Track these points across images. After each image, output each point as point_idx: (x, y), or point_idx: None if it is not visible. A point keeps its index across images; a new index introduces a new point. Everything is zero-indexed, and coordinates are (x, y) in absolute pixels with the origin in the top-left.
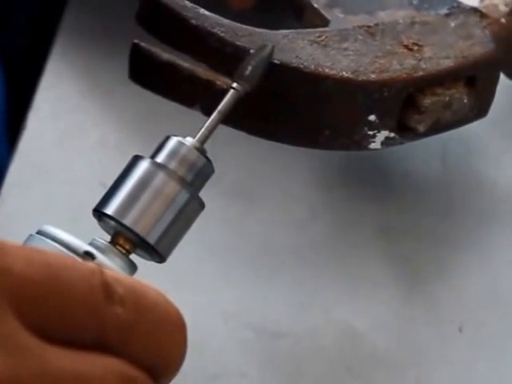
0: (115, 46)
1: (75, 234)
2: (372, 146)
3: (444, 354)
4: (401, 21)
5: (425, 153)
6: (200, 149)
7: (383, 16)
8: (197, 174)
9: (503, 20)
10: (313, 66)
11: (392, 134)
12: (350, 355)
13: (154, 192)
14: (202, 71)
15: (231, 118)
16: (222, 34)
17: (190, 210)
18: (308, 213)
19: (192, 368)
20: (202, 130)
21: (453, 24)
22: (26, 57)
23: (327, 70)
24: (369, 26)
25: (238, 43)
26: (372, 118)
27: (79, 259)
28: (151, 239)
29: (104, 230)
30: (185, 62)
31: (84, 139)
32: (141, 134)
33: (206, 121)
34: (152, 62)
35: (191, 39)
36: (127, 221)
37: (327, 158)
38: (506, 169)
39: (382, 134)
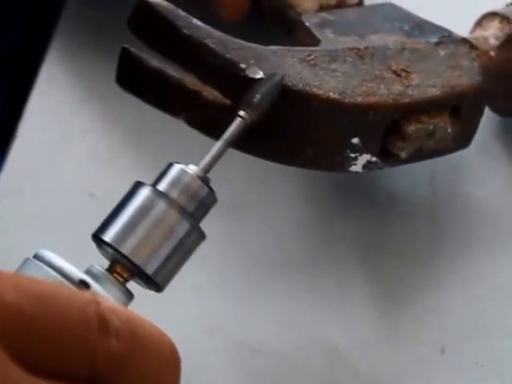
0: (108, 54)
1: (65, 244)
2: (353, 168)
3: (425, 376)
4: (391, 46)
5: (413, 172)
6: (203, 178)
7: (374, 39)
8: (199, 204)
9: (492, 53)
10: (301, 85)
11: (374, 159)
12: (332, 375)
13: (154, 221)
14: (189, 81)
15: (216, 133)
16: (213, 46)
17: (190, 240)
18: (295, 228)
19: None
20: (206, 158)
21: (442, 53)
22: (19, 65)
23: (315, 90)
24: (359, 49)
25: (228, 56)
26: (355, 140)
27: (74, 288)
28: (149, 270)
29: (102, 255)
30: (173, 71)
31: (74, 148)
32: (131, 144)
33: (211, 149)
34: (140, 67)
35: (181, 48)
36: (125, 249)
37: (315, 176)
38: (493, 191)
39: (364, 158)
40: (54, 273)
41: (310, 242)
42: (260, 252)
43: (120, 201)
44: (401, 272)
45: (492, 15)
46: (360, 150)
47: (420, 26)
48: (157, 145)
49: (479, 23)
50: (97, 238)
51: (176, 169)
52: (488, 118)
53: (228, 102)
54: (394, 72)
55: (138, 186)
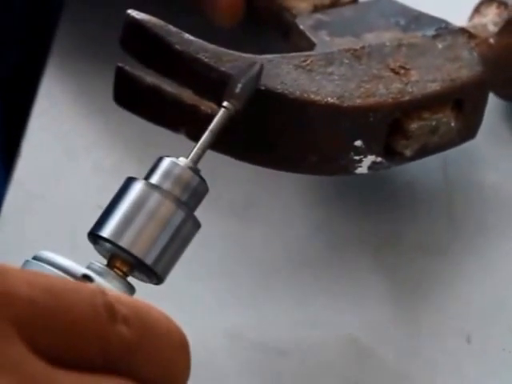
0: (106, 69)
1: (74, 260)
2: (358, 170)
3: (453, 366)
4: (387, 43)
5: (425, 163)
6: (193, 168)
7: (370, 38)
8: (191, 193)
9: (492, 40)
10: (298, 92)
11: (379, 159)
12: (357, 371)
13: (150, 213)
14: (186, 96)
15: (219, 144)
16: (207, 60)
17: (186, 229)
18: (309, 228)
19: None
20: (195, 149)
21: (440, 46)
22: (19, 88)
23: (312, 96)
24: (355, 50)
25: (223, 69)
26: (358, 143)
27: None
28: (148, 260)
29: (100, 253)
30: (169, 86)
31: (79, 164)
32: (136, 156)
33: (199, 141)
34: (136, 85)
35: (175, 64)
36: (123, 242)
37: None
38: (506, 175)
39: (369, 159)
40: (56, 271)
41: (325, 239)
42: (276, 253)
43: (113, 197)
44: (420, 263)
45: (489, 1)
46: (364, 152)
47: (416, 20)
48: (161, 155)
49: (477, 10)
50: (93, 235)
51: (167, 161)
52: (495, 102)
53: None
54: (392, 70)
55: (130, 181)
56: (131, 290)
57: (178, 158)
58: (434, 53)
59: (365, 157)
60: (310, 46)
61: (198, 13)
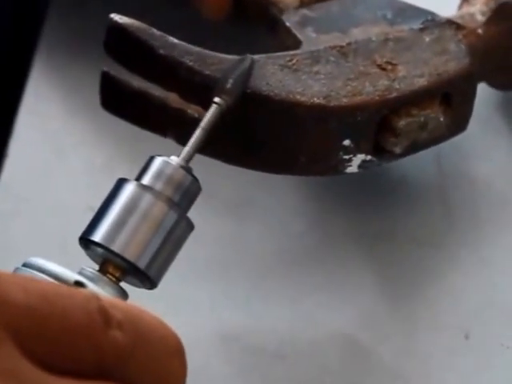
0: (94, 65)
1: (65, 263)
2: (349, 170)
3: (451, 363)
4: (374, 38)
5: (419, 157)
6: (186, 167)
7: (356, 33)
8: (184, 193)
9: (480, 30)
10: (283, 94)
11: (369, 157)
12: (354, 370)
13: (142, 215)
14: (173, 100)
15: (207, 148)
16: (191, 63)
17: (179, 231)
18: (303, 226)
19: None
20: (187, 148)
21: (427, 39)
22: (4, 81)
23: (298, 97)
24: (341, 46)
25: (207, 72)
26: (347, 142)
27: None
28: (141, 264)
29: (91, 258)
30: (156, 91)
31: (69, 162)
32: (127, 155)
33: (190, 139)
34: (122, 90)
35: (160, 69)
36: (115, 247)
37: None
38: (499, 166)
39: (359, 158)
40: (47, 278)
41: (320, 236)
42: (271, 252)
43: (104, 199)
44: (415, 258)
45: None
46: (353, 151)
47: (403, 12)
48: (151, 153)
49: None
50: (85, 240)
51: (158, 161)
52: (487, 93)
53: None
54: (379, 66)
55: (121, 182)
56: (124, 295)
57: (169, 156)
58: (421, 46)
59: (354, 156)
60: (297, 43)
61: (186, 5)
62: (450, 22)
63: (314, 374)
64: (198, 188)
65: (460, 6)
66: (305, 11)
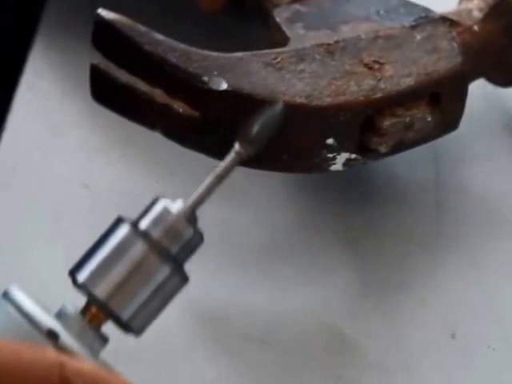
0: None
1: (56, 236)
2: (333, 168)
3: (436, 362)
4: (363, 36)
5: (416, 154)
6: (190, 217)
7: (346, 31)
8: (183, 245)
9: (476, 27)
10: (266, 93)
11: (353, 155)
12: (339, 363)
13: (132, 263)
14: (159, 95)
15: (189, 141)
16: (175, 60)
17: (171, 285)
18: (294, 217)
19: (178, 376)
20: (196, 194)
21: (418, 37)
22: (3, 58)
23: (280, 96)
24: (328, 44)
25: (191, 69)
26: (330, 141)
27: (42, 338)
28: (125, 316)
29: (79, 291)
30: (143, 85)
31: (64, 140)
32: (122, 134)
33: (201, 184)
34: (111, 83)
35: (145, 65)
36: (100, 293)
37: None
38: (495, 170)
39: (343, 156)
40: (22, 319)
41: (311, 229)
42: (260, 241)
43: (100, 236)
44: (406, 257)
45: None
46: (337, 150)
47: (396, 8)
48: (147, 134)
49: None
50: (73, 275)
51: (160, 205)
52: (481, 91)
53: (197, 114)
54: (366, 65)
55: (118, 222)
56: (103, 341)
57: (175, 200)
58: (412, 45)
59: (338, 154)
60: (285, 39)
61: None
62: (443, 19)
63: (297, 362)
64: (200, 240)
65: (459, 2)
66: (297, 6)
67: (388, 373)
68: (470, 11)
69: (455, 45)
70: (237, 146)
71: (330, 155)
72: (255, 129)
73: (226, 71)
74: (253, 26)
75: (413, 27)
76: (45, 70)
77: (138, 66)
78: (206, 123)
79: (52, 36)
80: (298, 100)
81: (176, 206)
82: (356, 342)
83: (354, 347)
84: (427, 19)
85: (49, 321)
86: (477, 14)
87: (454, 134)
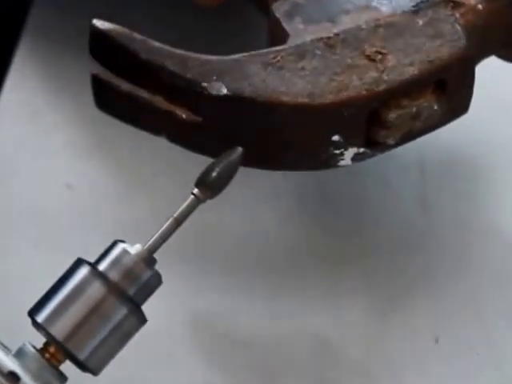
0: (80, 47)
1: (36, 237)
2: (342, 163)
3: (420, 366)
4: (364, 26)
5: (402, 160)
6: (148, 259)
7: (346, 21)
8: (140, 287)
9: (480, 6)
10: (266, 95)
11: (361, 150)
12: (323, 367)
13: (89, 304)
14: (160, 101)
15: (194, 145)
16: (172, 68)
17: (128, 326)
18: (281, 224)
19: (159, 378)
20: (155, 237)
21: (420, 22)
22: None
23: (282, 97)
24: (328, 38)
25: (189, 76)
26: (336, 138)
27: (3, 380)
28: (82, 356)
29: (38, 331)
30: (144, 93)
31: (49, 142)
32: (106, 135)
33: (160, 228)
34: (112, 92)
35: (143, 73)
36: (58, 334)
37: None
38: (484, 176)
39: (351, 151)
40: None
41: (296, 233)
42: (247, 246)
43: (59, 277)
44: (390, 261)
45: None
46: (344, 146)
47: None
48: (132, 135)
49: None
50: (32, 316)
51: (118, 249)
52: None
53: (199, 119)
54: (368, 57)
55: (78, 263)
56: (62, 379)
57: (133, 245)
58: (414, 31)
59: (345, 150)
60: (285, 35)
61: None
62: (445, 1)
63: (280, 366)
64: (158, 281)
65: None
66: None
67: (371, 378)
68: None
69: (458, 28)
70: (196, 191)
71: (337, 151)
72: (214, 174)
73: (224, 75)
74: (252, 24)
75: (414, 12)
76: (30, 70)
77: (137, 74)
78: (209, 128)
79: (37, 37)
80: (300, 100)
81: (134, 249)
82: (340, 346)
83: (338, 351)
84: (428, 3)
85: (9, 362)
86: None
87: (439, 136)
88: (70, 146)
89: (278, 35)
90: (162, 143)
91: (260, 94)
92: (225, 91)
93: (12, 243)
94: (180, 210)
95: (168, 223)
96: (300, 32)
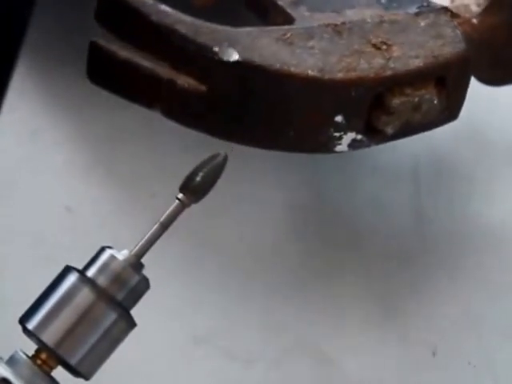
0: (80, 65)
1: (36, 258)
2: (338, 148)
3: (417, 379)
4: (369, 20)
5: (397, 171)
6: (135, 265)
7: (351, 14)
8: (129, 292)
9: (475, 20)
10: (277, 65)
11: (359, 136)
12: (323, 381)
13: (79, 310)
14: (162, 70)
15: (191, 119)
16: (184, 31)
17: (117, 330)
18: (280, 237)
19: None
20: (141, 242)
21: (423, 23)
22: None
23: (292, 69)
24: (336, 25)
25: (200, 40)
26: (339, 118)
27: None
28: (73, 361)
29: (30, 339)
30: (145, 61)
31: (49, 161)
32: (107, 155)
33: (146, 233)
34: (110, 60)
35: (152, 36)
36: (48, 340)
37: (291, 165)
38: (478, 185)
39: (349, 136)
40: None
41: (293, 246)
42: (246, 259)
43: (48, 285)
44: (388, 273)
45: None
46: (344, 129)
47: None
48: (131, 155)
49: None
50: (23, 323)
51: (106, 255)
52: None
53: (204, 88)
54: (374, 45)
55: (66, 270)
56: None
57: (120, 251)
58: (417, 30)
59: (345, 134)
60: (289, 21)
61: None
62: (445, 9)
63: (280, 381)
64: (146, 286)
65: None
66: None
67: None
68: (467, 6)
69: (458, 32)
70: (180, 195)
71: (337, 134)
72: (198, 178)
73: (235, 43)
74: (243, 20)
75: (416, 14)
76: (29, 90)
77: (145, 38)
78: (213, 99)
79: (36, 56)
80: (311, 73)
81: (122, 255)
82: (338, 360)
83: (336, 366)
84: (429, 8)
85: (1, 370)
86: (475, 9)
87: (433, 146)
88: (69, 167)
89: (280, 23)
90: (161, 161)
91: (271, 64)
92: (236, 57)
93: (10, 263)
94: (165, 214)
95: (154, 228)
96: (306, 18)
